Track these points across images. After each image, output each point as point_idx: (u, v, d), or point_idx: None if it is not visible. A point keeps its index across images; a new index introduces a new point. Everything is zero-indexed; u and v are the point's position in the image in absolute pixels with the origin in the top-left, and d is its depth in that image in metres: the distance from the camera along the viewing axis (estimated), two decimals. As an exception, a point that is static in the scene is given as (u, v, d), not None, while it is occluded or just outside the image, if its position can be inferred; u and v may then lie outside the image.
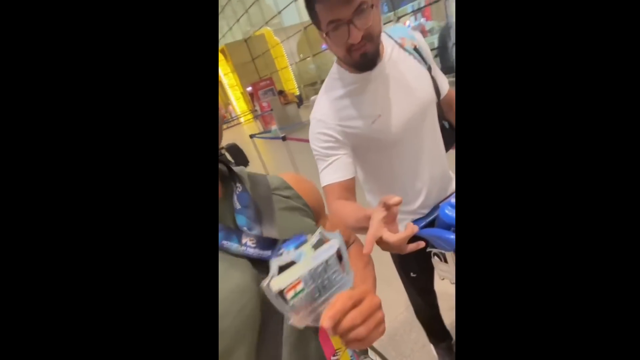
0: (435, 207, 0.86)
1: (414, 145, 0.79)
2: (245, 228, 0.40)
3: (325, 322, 0.32)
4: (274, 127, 5.08)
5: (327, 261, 0.35)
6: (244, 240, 0.38)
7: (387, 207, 0.48)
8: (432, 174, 0.83)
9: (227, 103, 15.58)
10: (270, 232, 0.41)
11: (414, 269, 0.98)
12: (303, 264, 0.34)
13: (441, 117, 0.85)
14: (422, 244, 0.48)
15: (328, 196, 0.73)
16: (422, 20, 6.98)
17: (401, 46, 0.78)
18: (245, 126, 11.28)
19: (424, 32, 6.82)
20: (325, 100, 0.76)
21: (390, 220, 0.49)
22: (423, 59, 0.80)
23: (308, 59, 11.42)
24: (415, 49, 0.79)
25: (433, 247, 0.81)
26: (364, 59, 0.67)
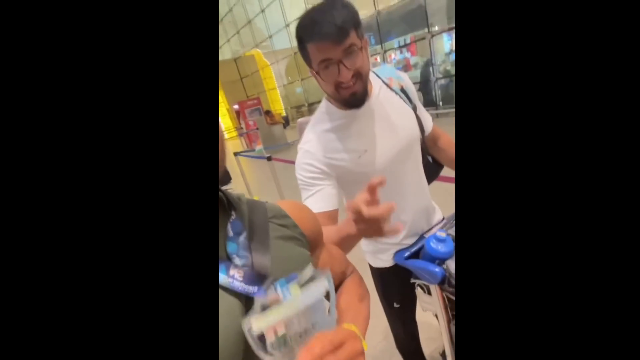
0: (420, 238, 0.89)
1: (398, 180, 0.81)
2: (234, 255, 0.39)
3: None
4: (259, 146, 5.08)
5: (314, 304, 0.34)
6: (231, 272, 0.37)
7: (371, 189, 0.51)
8: (416, 206, 0.86)
9: (212, 119, 15.47)
10: (261, 260, 0.40)
11: (398, 300, 0.98)
12: (288, 305, 0.33)
13: (425, 152, 0.89)
14: (399, 226, 0.52)
15: None
16: (408, 54, 7.40)
17: (388, 86, 0.82)
18: (229, 142, 11.20)
19: (408, 66, 7.20)
20: (313, 133, 0.78)
21: (371, 204, 0.51)
22: (409, 99, 0.84)
23: (296, 82, 11.69)
24: (402, 90, 0.84)
25: (417, 278, 0.82)
26: (352, 97, 0.70)
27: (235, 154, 4.22)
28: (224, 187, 0.48)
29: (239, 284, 0.37)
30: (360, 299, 0.54)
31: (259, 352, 0.32)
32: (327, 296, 0.36)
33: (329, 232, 0.63)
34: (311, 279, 0.37)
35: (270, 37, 11.48)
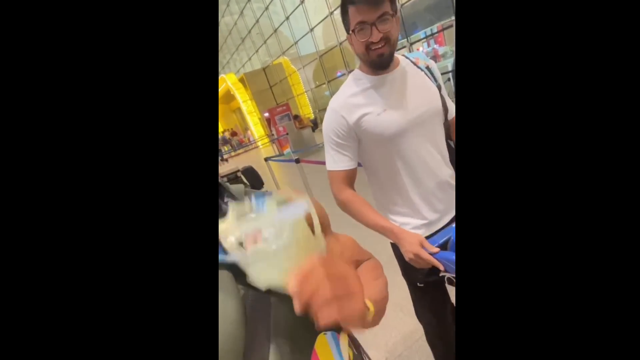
0: (448, 226, 0.86)
1: (417, 146, 0.86)
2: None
3: (290, 282, 0.28)
4: (286, 150, 5.18)
5: (293, 222, 0.31)
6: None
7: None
8: (436, 180, 0.87)
9: (246, 128, 16.14)
10: None
11: (420, 278, 0.92)
12: (264, 217, 0.31)
13: (448, 136, 0.92)
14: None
15: (333, 181, 0.88)
16: (435, 46, 7.13)
17: (415, 64, 0.90)
18: (263, 150, 11.57)
19: (437, 57, 6.94)
20: (342, 94, 0.89)
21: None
22: (434, 78, 0.91)
23: (323, 85, 11.78)
24: (427, 68, 0.91)
25: (446, 271, 0.78)
26: (380, 58, 0.80)
27: (266, 159, 4.36)
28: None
29: (224, 256, 0.35)
30: (375, 277, 0.51)
31: (241, 261, 0.30)
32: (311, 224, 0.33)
33: (361, 212, 0.85)
34: (287, 200, 0.34)
35: (296, 42, 11.70)
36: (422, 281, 0.93)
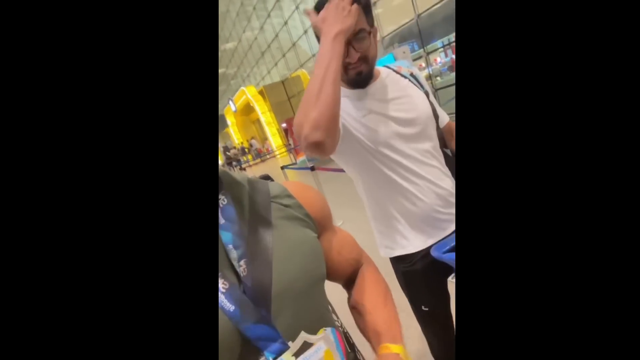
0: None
1: (410, 156, 0.79)
2: (230, 246, 0.37)
3: None
4: (300, 158, 5.22)
5: None
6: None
7: None
8: (436, 192, 0.80)
9: (265, 138, 16.47)
10: (259, 248, 0.38)
11: (426, 302, 0.89)
12: None
13: (443, 144, 0.86)
14: None
15: None
16: (453, 56, 7.08)
17: (397, 72, 0.86)
18: (280, 159, 11.74)
19: (454, 66, 6.87)
20: None
21: None
22: (420, 85, 0.87)
23: (340, 96, 11.88)
24: (412, 75, 0.87)
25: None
26: (358, 77, 0.76)
27: (282, 167, 4.42)
28: None
29: (219, 296, 0.34)
30: (385, 298, 0.51)
31: None
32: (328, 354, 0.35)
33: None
34: (306, 345, 0.35)
35: (314, 55, 11.96)
36: (427, 304, 0.89)
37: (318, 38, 0.70)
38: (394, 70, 0.86)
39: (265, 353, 0.34)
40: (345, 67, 0.74)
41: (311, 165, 3.45)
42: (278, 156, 12.93)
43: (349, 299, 0.54)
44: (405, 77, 0.86)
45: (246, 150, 16.31)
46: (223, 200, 0.40)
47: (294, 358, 0.34)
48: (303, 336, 0.35)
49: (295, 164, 6.36)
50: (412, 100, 0.82)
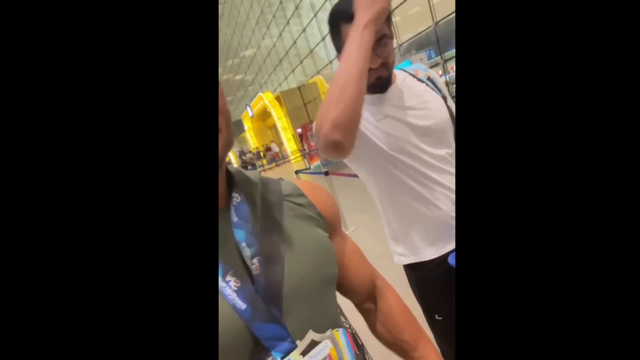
0: None
1: (428, 162, 0.78)
2: (243, 243, 0.37)
3: None
4: (315, 163, 5.25)
5: None
6: (227, 278, 0.35)
7: None
8: (452, 198, 0.79)
9: (280, 143, 16.68)
10: (271, 247, 0.38)
11: (440, 311, 0.87)
12: None
13: None
14: None
15: None
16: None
17: (414, 76, 0.84)
18: (295, 164, 11.84)
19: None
20: None
21: None
22: (438, 89, 0.84)
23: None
24: (429, 79, 0.85)
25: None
26: (378, 81, 0.75)
27: (296, 172, 4.47)
28: None
29: (230, 293, 0.34)
30: (420, 330, 0.52)
31: None
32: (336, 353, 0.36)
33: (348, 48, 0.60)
34: (313, 344, 0.36)
35: (331, 62, 12.08)
36: (440, 313, 0.87)
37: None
38: (411, 74, 0.84)
39: (273, 353, 0.34)
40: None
41: (325, 170, 3.47)
42: (292, 161, 13.05)
43: (370, 324, 0.53)
44: (422, 81, 0.84)
45: (262, 154, 16.52)
46: (237, 198, 0.40)
47: (301, 357, 0.34)
48: (311, 335, 0.36)
49: (309, 168, 6.41)
50: (429, 106, 0.80)
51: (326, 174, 3.34)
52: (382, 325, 0.52)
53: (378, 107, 0.78)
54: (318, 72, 13.60)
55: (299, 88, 15.06)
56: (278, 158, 15.60)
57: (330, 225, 0.48)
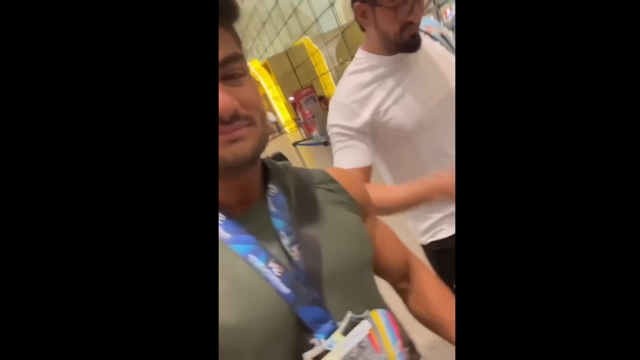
0: None
1: (444, 135, 0.73)
2: (282, 232, 0.39)
3: None
4: (315, 133, 5.10)
5: (359, 344, 0.36)
6: (270, 264, 0.36)
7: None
8: None
9: (274, 113, 16.22)
10: (308, 234, 0.40)
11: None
12: (336, 352, 0.35)
13: None
14: None
15: None
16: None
17: (427, 33, 0.78)
18: (290, 135, 11.60)
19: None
20: (350, 84, 0.74)
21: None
22: (452, 47, 0.79)
23: (347, 62, 11.38)
24: (442, 36, 0.79)
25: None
26: (413, 39, 0.68)
27: (294, 144, 4.31)
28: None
29: (273, 278, 0.36)
30: (446, 294, 0.53)
31: None
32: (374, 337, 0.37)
33: (393, 190, 0.63)
34: (352, 324, 0.37)
35: (317, 20, 11.32)
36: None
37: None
38: (424, 32, 0.77)
39: (317, 334, 0.36)
40: (404, 26, 0.66)
41: (324, 141, 3.32)
42: (287, 132, 12.77)
43: (407, 303, 0.54)
44: (436, 38, 0.77)
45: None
46: (273, 189, 0.42)
47: (342, 337, 0.36)
48: (350, 315, 0.37)
49: (309, 139, 6.21)
50: (447, 69, 0.73)
51: (326, 144, 3.20)
52: (418, 304, 0.53)
53: (396, 78, 0.72)
54: (304, 32, 12.80)
55: (286, 52, 14.31)
56: (273, 130, 15.26)
57: (362, 207, 0.49)
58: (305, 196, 0.43)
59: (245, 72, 0.37)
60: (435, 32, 0.77)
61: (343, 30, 10.27)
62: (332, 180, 0.47)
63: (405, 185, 0.62)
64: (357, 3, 0.68)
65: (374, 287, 0.45)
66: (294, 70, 14.39)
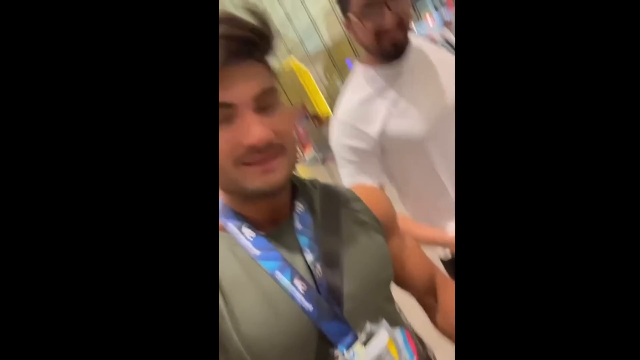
0: None
1: (449, 143, 0.69)
2: (307, 249, 0.41)
3: None
4: (308, 154, 5.12)
5: (379, 356, 0.37)
6: (295, 282, 0.39)
7: None
8: None
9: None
10: (331, 252, 0.41)
11: None
12: None
13: None
14: None
15: None
16: (447, 13, 6.68)
17: (430, 39, 0.77)
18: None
19: (448, 25, 6.46)
20: (352, 101, 0.72)
21: None
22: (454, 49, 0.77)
23: (336, 79, 11.61)
24: (446, 41, 0.78)
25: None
26: (393, 47, 0.66)
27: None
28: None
29: (298, 296, 0.38)
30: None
31: None
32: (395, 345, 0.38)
33: (415, 227, 0.65)
34: (371, 334, 0.39)
35: (302, 42, 11.61)
36: None
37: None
38: (427, 38, 0.77)
39: (339, 347, 0.38)
40: (378, 35, 0.64)
41: (322, 159, 3.32)
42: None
43: (431, 318, 0.55)
44: (440, 44, 0.77)
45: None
46: (300, 207, 0.44)
47: (363, 347, 0.37)
48: (368, 326, 0.39)
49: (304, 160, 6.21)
50: (450, 76, 0.70)
51: (323, 162, 3.19)
52: (443, 321, 0.54)
53: (399, 88, 0.69)
54: (290, 53, 13.11)
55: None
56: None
57: (386, 227, 0.50)
58: (330, 215, 0.45)
59: (278, 102, 0.40)
60: (437, 37, 0.76)
61: (329, 49, 10.53)
62: (357, 200, 0.49)
63: (429, 228, 0.64)
64: (346, 20, 0.69)
65: (391, 305, 0.48)
66: (285, 92, 14.63)
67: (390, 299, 0.48)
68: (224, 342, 0.35)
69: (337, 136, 0.72)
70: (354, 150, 0.70)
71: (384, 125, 0.69)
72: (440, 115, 0.69)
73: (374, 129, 0.68)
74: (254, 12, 0.36)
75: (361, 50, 0.72)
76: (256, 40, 0.36)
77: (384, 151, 0.71)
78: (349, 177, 0.71)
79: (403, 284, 0.53)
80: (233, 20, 0.35)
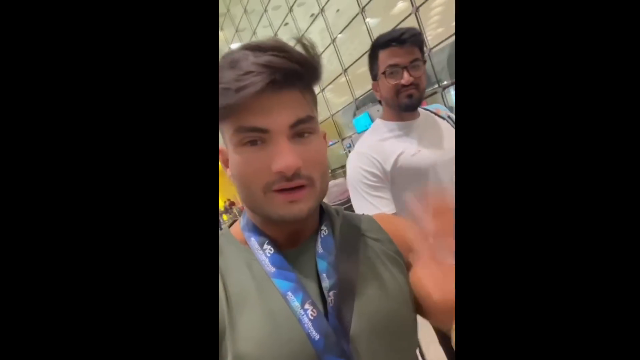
0: None
1: (448, 185, 0.80)
2: (324, 274, 0.39)
3: None
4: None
5: None
6: (306, 306, 0.37)
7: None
8: None
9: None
10: (345, 282, 0.39)
11: None
12: None
13: None
14: None
15: None
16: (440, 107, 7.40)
17: (436, 114, 0.93)
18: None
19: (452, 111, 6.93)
20: (371, 139, 0.86)
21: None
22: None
23: (337, 144, 12.14)
24: (450, 117, 0.94)
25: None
26: (409, 99, 0.81)
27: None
28: None
29: (306, 321, 0.36)
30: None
31: None
32: None
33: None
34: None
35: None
36: None
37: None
38: (432, 112, 0.92)
39: None
40: (397, 91, 0.80)
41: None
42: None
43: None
44: (444, 118, 0.92)
45: (228, 208, 15.80)
46: (324, 231, 0.43)
47: None
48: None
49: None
50: (453, 140, 0.85)
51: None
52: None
53: (411, 138, 0.84)
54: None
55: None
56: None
57: (410, 256, 0.47)
58: (351, 244, 0.43)
59: (314, 131, 0.38)
60: (443, 114, 0.93)
61: (322, 88, 11.30)
62: (379, 229, 0.47)
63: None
64: (374, 81, 0.86)
65: (410, 347, 0.43)
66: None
67: (407, 341, 0.43)
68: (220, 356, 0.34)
69: (355, 165, 0.82)
70: (371, 174, 0.80)
71: (396, 161, 0.81)
72: (444, 160, 0.83)
73: (389, 162, 0.80)
74: (304, 45, 0.36)
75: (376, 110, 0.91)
76: (302, 72, 0.36)
77: (393, 183, 0.82)
78: (372, 207, 0.78)
79: (432, 318, 0.47)
80: (281, 50, 0.34)
